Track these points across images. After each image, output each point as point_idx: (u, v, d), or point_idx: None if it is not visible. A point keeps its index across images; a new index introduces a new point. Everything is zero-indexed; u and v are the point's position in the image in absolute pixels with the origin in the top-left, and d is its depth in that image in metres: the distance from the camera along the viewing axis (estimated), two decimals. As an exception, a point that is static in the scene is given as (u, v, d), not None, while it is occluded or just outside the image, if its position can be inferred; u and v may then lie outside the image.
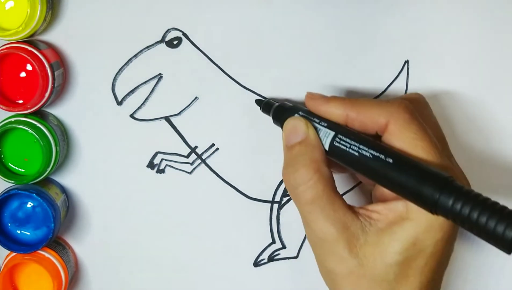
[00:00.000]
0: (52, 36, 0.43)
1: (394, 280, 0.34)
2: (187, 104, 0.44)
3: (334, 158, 0.36)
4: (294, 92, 0.44)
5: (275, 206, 0.45)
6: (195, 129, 0.44)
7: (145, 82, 0.43)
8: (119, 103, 0.44)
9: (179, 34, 0.43)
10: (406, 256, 0.33)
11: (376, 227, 0.34)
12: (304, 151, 0.36)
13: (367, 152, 0.34)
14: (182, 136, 0.44)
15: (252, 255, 0.46)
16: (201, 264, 0.46)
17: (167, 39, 0.43)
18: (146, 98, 0.44)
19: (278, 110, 0.40)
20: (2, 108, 0.40)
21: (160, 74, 0.43)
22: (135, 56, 0.43)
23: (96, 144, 0.44)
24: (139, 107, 0.44)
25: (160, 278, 0.46)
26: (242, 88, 0.44)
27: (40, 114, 0.42)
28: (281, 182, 0.45)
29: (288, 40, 0.43)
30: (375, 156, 0.33)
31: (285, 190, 0.45)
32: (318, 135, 0.37)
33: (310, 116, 0.38)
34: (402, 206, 0.34)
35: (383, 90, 0.44)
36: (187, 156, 0.45)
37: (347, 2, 0.43)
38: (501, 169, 0.45)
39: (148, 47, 0.43)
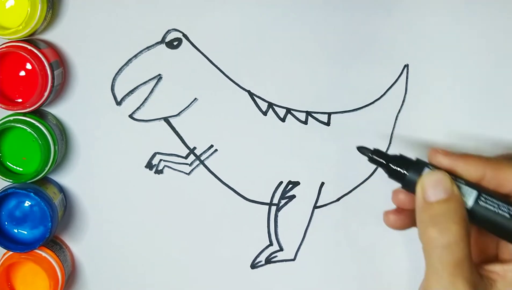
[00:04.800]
0: (52, 35, 0.42)
1: None
2: (186, 105, 0.44)
3: (474, 219, 0.35)
4: (293, 94, 0.44)
5: (273, 208, 0.45)
6: (194, 130, 0.44)
7: (144, 83, 0.43)
8: (118, 103, 0.44)
9: (179, 35, 0.43)
10: None
11: (495, 288, 0.35)
12: (453, 208, 0.35)
13: None
14: (181, 137, 0.44)
15: (249, 257, 0.46)
16: (198, 265, 0.46)
17: (167, 40, 0.43)
18: (146, 99, 0.44)
19: (399, 161, 0.36)
20: (1, 107, 0.40)
21: (159, 74, 0.43)
22: (135, 56, 0.43)
23: (94, 144, 0.44)
24: (138, 108, 0.44)
25: (157, 279, 0.46)
26: (241, 89, 0.44)
27: (39, 113, 0.42)
28: (279, 184, 0.45)
29: (287, 42, 0.43)
30: None
31: (283, 193, 0.45)
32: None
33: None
34: None
35: (382, 94, 0.44)
36: (186, 157, 0.45)
37: (347, 6, 0.43)
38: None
39: (148, 48, 0.43)
